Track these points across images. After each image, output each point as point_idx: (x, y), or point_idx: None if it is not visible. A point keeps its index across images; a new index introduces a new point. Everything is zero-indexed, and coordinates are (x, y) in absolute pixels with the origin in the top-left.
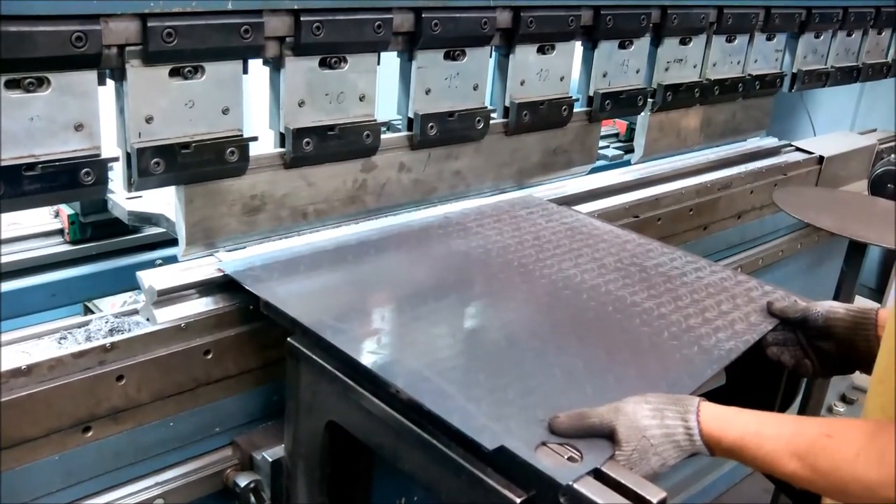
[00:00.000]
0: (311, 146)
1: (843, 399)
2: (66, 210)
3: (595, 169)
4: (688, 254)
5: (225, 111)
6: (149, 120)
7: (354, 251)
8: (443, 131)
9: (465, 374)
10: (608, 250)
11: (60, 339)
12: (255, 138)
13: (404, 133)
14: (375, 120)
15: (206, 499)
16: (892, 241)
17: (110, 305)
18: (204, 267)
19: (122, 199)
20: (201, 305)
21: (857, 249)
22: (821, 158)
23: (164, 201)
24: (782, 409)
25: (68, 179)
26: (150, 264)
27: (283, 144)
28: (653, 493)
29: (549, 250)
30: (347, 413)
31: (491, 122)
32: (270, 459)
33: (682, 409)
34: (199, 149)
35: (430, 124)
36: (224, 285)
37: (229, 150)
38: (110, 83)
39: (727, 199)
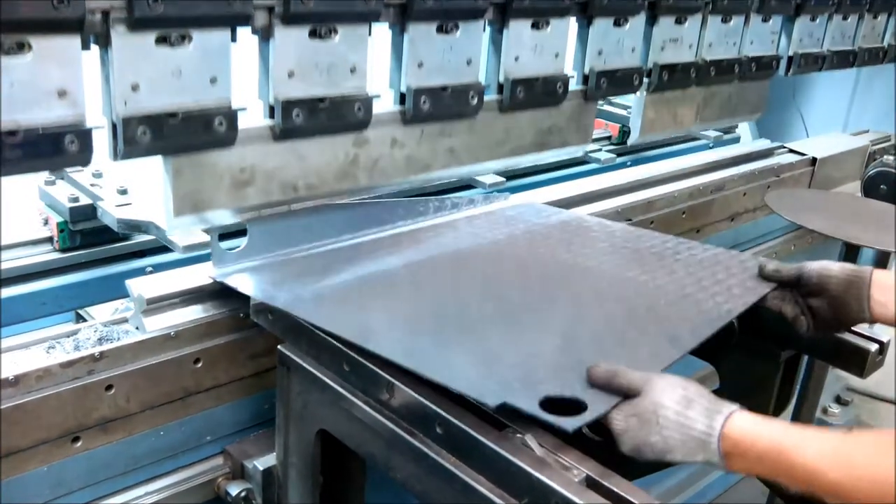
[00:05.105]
0: (300, 118)
1: (838, 400)
2: (55, 218)
3: (587, 172)
4: (679, 238)
5: (213, 81)
6: (135, 88)
7: (347, 253)
8: (436, 106)
9: (460, 345)
10: (599, 238)
11: (48, 348)
12: (243, 108)
13: (396, 108)
14: (367, 93)
15: None
16: (885, 243)
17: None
18: (193, 275)
19: (112, 206)
20: (191, 313)
21: (850, 252)
22: (813, 160)
23: (153, 208)
24: (777, 411)
25: (52, 147)
26: (141, 272)
27: (272, 116)
28: (646, 501)
29: (540, 241)
30: (338, 422)
31: (485, 98)
32: (262, 468)
33: (711, 408)
34: (186, 118)
35: (423, 98)
36: (214, 293)
37: (217, 120)
38: (95, 56)
39: (720, 202)
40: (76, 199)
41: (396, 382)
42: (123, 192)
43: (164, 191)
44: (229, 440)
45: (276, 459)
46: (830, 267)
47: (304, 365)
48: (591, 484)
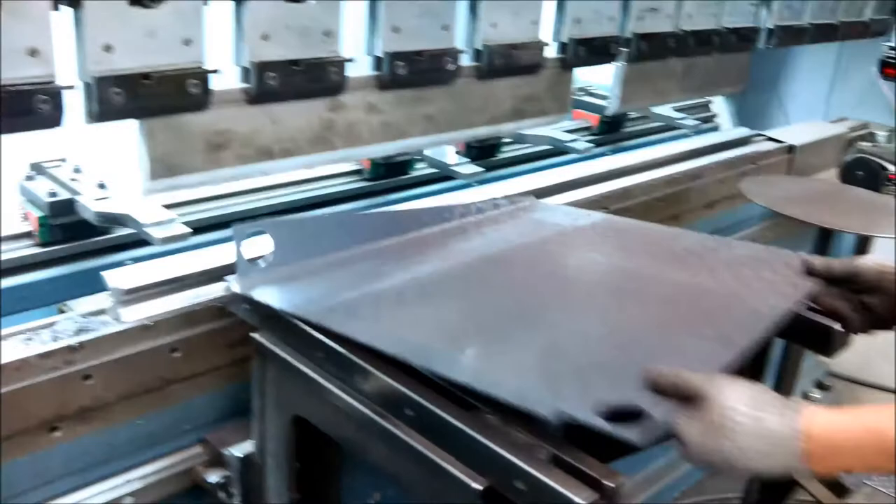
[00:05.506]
0: (275, 81)
1: (820, 386)
2: (34, 213)
3: (565, 162)
4: (716, 236)
5: (186, 42)
6: (107, 49)
7: (374, 261)
8: (412, 71)
9: (502, 353)
10: (632, 239)
11: (27, 339)
12: (216, 70)
13: (372, 73)
14: (341, 57)
15: (176, 496)
16: (861, 228)
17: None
18: (170, 265)
19: (90, 200)
20: (168, 304)
21: (825, 237)
22: (791, 147)
23: (130, 202)
24: None
25: (24, 107)
26: (121, 265)
27: (246, 79)
28: (611, 478)
29: (573, 244)
30: (313, 407)
31: (462, 65)
32: (240, 456)
33: (784, 407)
34: (160, 80)
35: (399, 63)
36: (191, 283)
37: (191, 82)
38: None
39: (697, 190)
40: (55, 194)
41: (369, 368)
42: (102, 186)
43: (140, 155)
44: (208, 429)
45: (254, 447)
46: (888, 264)
47: (278, 352)
48: (558, 462)
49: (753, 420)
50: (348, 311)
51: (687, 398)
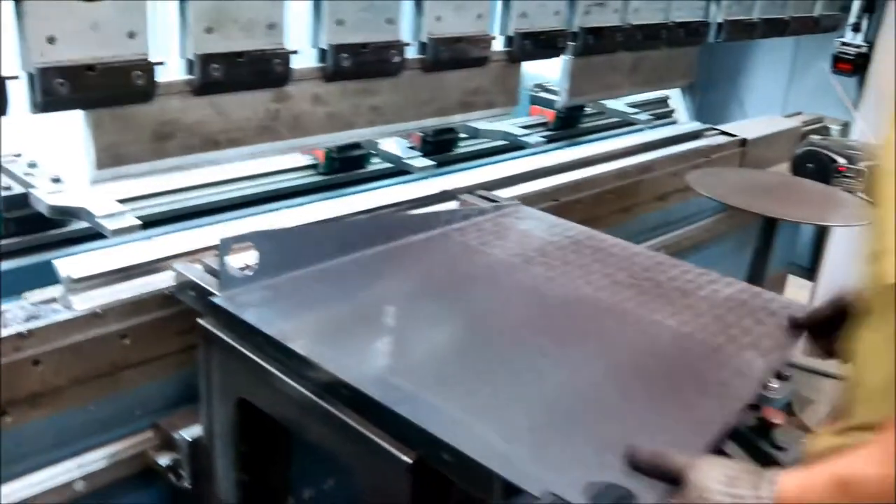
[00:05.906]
0: (219, 73)
1: (778, 376)
2: None
3: (520, 156)
4: (697, 267)
5: (131, 35)
6: (51, 41)
7: (344, 269)
8: (357, 63)
9: (484, 408)
10: (618, 265)
11: None
12: (161, 63)
13: (317, 64)
14: (286, 49)
15: (127, 479)
16: (807, 218)
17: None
18: (120, 254)
19: (44, 193)
20: (118, 292)
21: (770, 226)
22: (744, 141)
23: (84, 195)
24: None
25: None
26: None
27: (191, 71)
28: None
29: (558, 267)
30: (256, 390)
31: (408, 58)
32: (189, 439)
33: (756, 479)
34: (104, 71)
35: (343, 55)
36: (140, 272)
37: (135, 73)
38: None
39: (649, 183)
40: (9, 188)
41: (303, 354)
42: (57, 180)
43: (86, 144)
44: (159, 414)
45: (203, 430)
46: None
47: (223, 337)
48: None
49: (728, 497)
50: (333, 341)
51: (667, 478)
